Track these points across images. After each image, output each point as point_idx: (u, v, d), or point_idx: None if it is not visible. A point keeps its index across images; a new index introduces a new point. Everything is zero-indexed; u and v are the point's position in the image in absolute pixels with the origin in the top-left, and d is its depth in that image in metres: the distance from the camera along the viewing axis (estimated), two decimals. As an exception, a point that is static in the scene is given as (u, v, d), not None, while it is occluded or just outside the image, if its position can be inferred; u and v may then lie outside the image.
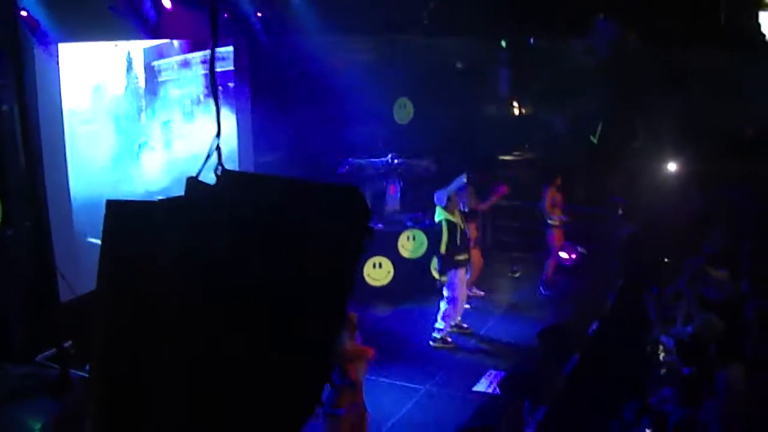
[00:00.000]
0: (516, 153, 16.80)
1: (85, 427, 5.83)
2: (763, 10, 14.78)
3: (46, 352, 8.76)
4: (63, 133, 10.14)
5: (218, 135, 2.53)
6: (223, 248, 2.27)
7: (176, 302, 2.24)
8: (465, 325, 11.58)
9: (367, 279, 12.73)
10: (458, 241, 11.09)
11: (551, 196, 13.14)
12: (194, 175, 2.44)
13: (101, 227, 2.38)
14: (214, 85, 2.77)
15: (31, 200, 8.43)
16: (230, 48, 13.10)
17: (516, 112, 17.73)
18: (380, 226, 13.09)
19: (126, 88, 11.60)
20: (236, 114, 13.28)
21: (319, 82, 13.08)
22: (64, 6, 9.62)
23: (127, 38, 11.11)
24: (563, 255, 13.57)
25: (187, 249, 2.26)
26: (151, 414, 2.28)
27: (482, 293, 12.90)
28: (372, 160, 13.89)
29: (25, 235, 8.99)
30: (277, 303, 2.28)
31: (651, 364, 8.84)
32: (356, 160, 13.77)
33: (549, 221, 13.20)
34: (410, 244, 13.10)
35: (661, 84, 14.60)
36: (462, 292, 11.34)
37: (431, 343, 11.19)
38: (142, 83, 11.93)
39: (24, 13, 9.19)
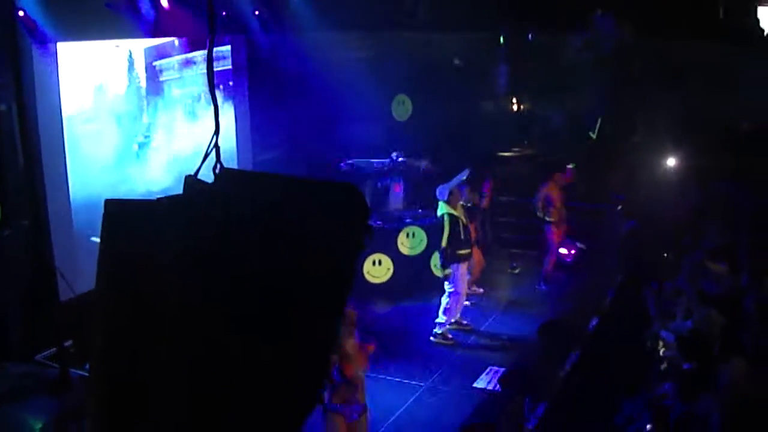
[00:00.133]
0: (515, 149, 16.78)
1: (85, 426, 5.84)
2: (762, 4, 14.77)
3: (46, 351, 8.77)
4: (62, 133, 10.14)
5: (217, 133, 2.52)
6: (222, 247, 2.27)
7: (175, 301, 2.24)
8: (465, 322, 11.59)
9: (367, 276, 12.74)
10: (461, 235, 11.11)
11: (547, 192, 13.12)
12: (193, 173, 2.44)
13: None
14: (212, 83, 2.77)
15: (29, 200, 8.43)
16: (228, 47, 13.11)
17: (514, 108, 17.71)
18: (379, 223, 13.09)
19: (127, 87, 11.61)
20: (234, 112, 13.29)
21: (317, 80, 13.07)
22: (61, 5, 9.63)
23: (126, 37, 11.11)
24: (563, 251, 13.58)
25: (186, 247, 2.25)
26: (150, 413, 2.28)
27: (481, 291, 12.91)
28: (374, 160, 13.91)
29: (24, 234, 9.01)
30: (276, 301, 2.28)
31: (651, 359, 8.84)
32: (359, 159, 13.78)
33: (546, 218, 13.19)
34: (409, 241, 13.11)
35: (659, 79, 14.59)
36: (463, 287, 11.35)
37: (432, 338, 11.21)
38: (143, 83, 11.94)
39: (21, 13, 9.20)
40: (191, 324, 2.24)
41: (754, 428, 6.68)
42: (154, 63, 12.17)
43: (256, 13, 12.91)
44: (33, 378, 7.62)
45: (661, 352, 8.67)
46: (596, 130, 15.47)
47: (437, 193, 11.25)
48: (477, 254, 12.55)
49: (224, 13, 12.16)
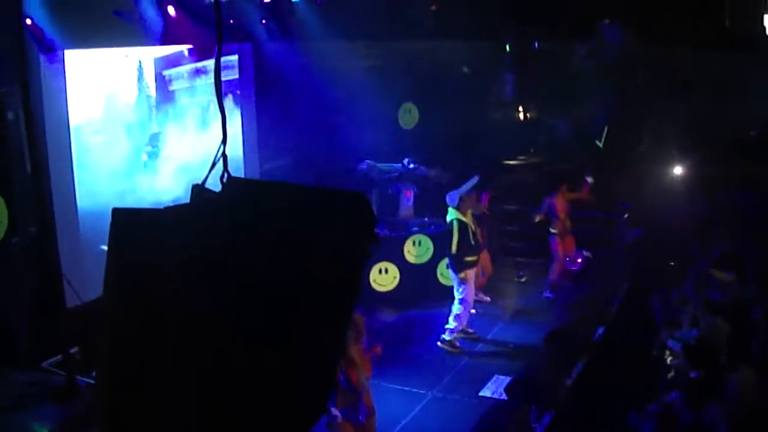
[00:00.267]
0: (521, 157, 16.77)
1: (91, 433, 5.84)
2: (768, 12, 14.76)
3: (53, 359, 8.77)
4: (69, 140, 10.18)
5: (224, 142, 2.53)
6: (229, 255, 2.27)
7: (182, 309, 2.24)
8: (471, 330, 11.57)
9: (374, 284, 12.73)
10: (470, 242, 11.12)
11: (552, 202, 13.06)
12: (200, 182, 2.44)
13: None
14: (219, 92, 2.77)
15: (37, 207, 8.45)
16: (236, 56, 13.14)
17: (521, 116, 17.71)
18: (386, 231, 13.08)
19: (137, 97, 11.66)
20: (242, 121, 13.32)
21: (323, 89, 13.10)
22: (68, 13, 9.66)
23: (133, 45, 11.15)
24: (568, 259, 13.55)
25: (193, 256, 2.26)
26: (157, 421, 2.29)
27: (488, 299, 12.89)
28: (383, 164, 13.91)
29: (31, 242, 9.01)
30: (283, 309, 2.28)
31: (658, 367, 8.82)
32: (374, 164, 13.79)
33: (550, 229, 13.15)
34: (416, 249, 13.10)
35: (666, 87, 14.58)
36: (472, 293, 11.36)
37: (439, 343, 11.20)
38: (152, 92, 11.99)
39: (29, 21, 9.24)
40: (198, 332, 2.25)
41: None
42: (164, 72, 12.21)
43: (263, 22, 12.93)
44: (39, 385, 7.63)
45: (667, 361, 8.65)
46: (603, 139, 15.45)
47: (447, 199, 11.27)
48: (486, 259, 12.55)
49: (231, 22, 12.18)
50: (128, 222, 2.33)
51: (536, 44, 16.60)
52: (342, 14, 12.84)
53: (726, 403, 6.95)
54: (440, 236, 12.41)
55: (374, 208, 2.45)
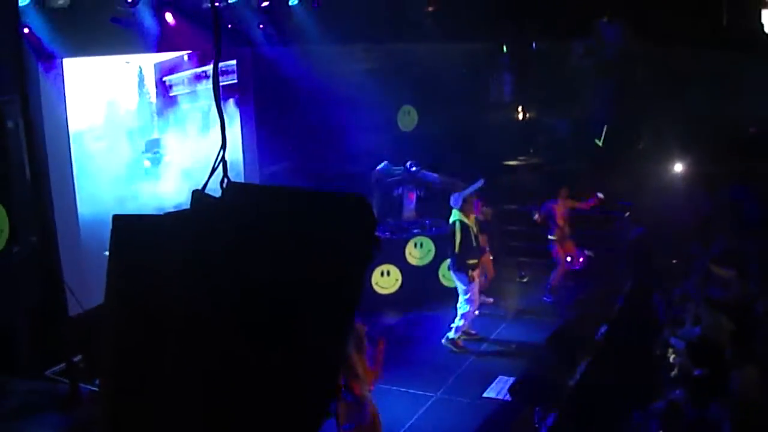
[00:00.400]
0: (521, 158, 16.77)
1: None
2: (766, 8, 14.75)
3: (56, 367, 8.77)
4: (69, 148, 10.19)
5: (224, 147, 2.53)
6: (230, 260, 2.27)
7: (183, 314, 2.24)
8: (473, 332, 11.58)
9: (375, 287, 12.74)
10: (472, 243, 11.14)
11: (552, 207, 12.97)
12: (200, 187, 2.44)
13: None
14: (218, 97, 2.77)
15: (37, 215, 8.44)
16: (234, 62, 13.15)
17: (520, 117, 17.72)
18: (387, 234, 13.09)
19: (138, 103, 11.66)
20: (241, 125, 13.32)
21: (322, 92, 13.11)
22: (66, 21, 9.68)
23: (131, 52, 11.16)
24: (569, 259, 13.52)
25: (194, 261, 2.26)
26: (160, 427, 2.28)
27: (491, 300, 12.88)
28: (384, 167, 13.91)
29: (32, 250, 9.01)
30: (285, 313, 2.28)
31: (661, 366, 8.81)
32: (386, 167, 13.79)
33: (549, 236, 13.09)
34: (418, 251, 13.11)
35: (664, 85, 14.59)
36: (477, 292, 11.38)
37: (444, 341, 11.22)
38: (153, 98, 11.99)
39: (26, 30, 9.25)
40: (199, 337, 2.24)
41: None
42: (164, 78, 12.21)
43: (261, 26, 12.94)
44: (42, 394, 7.62)
45: (671, 359, 8.63)
46: (602, 138, 15.45)
47: (451, 200, 11.31)
48: (488, 263, 12.55)
49: (229, 26, 12.19)
50: (129, 228, 2.33)
51: (534, 45, 16.60)
52: (339, 17, 12.86)
53: (730, 400, 6.94)
54: (441, 238, 12.43)
55: (376, 211, 2.46)
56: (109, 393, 2.41)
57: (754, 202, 12.64)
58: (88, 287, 9.05)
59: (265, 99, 13.66)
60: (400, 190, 13.97)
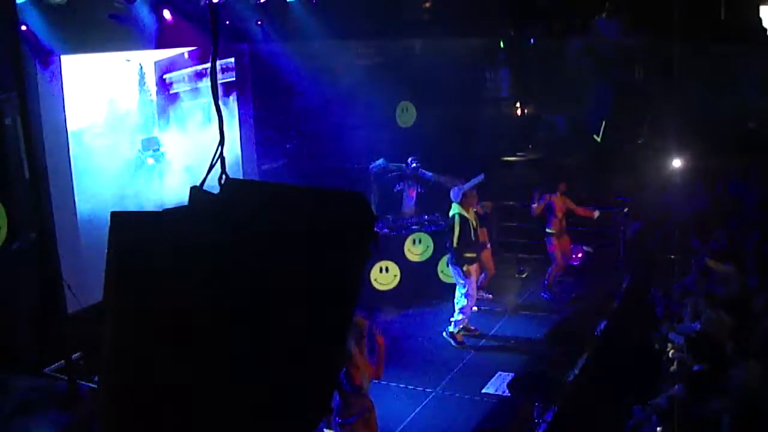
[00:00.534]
0: (520, 154, 16.76)
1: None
2: (764, 3, 14.77)
3: (55, 364, 8.78)
4: (68, 145, 10.18)
5: (222, 144, 2.52)
6: (229, 256, 2.27)
7: (182, 311, 2.23)
8: (473, 327, 11.57)
9: (374, 283, 12.73)
10: (470, 238, 11.12)
11: (550, 200, 12.85)
12: (198, 184, 2.44)
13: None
14: (216, 94, 2.77)
15: (36, 212, 8.44)
16: (232, 59, 13.13)
17: (518, 112, 17.71)
18: (385, 230, 13.08)
19: (138, 101, 11.64)
20: (239, 122, 13.31)
21: (320, 89, 13.10)
22: (63, 18, 9.67)
23: (129, 48, 11.14)
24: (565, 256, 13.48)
25: (192, 258, 2.25)
26: (159, 424, 2.28)
27: (490, 296, 12.86)
28: (386, 164, 13.89)
29: (31, 247, 9.01)
30: (283, 310, 2.28)
31: (660, 361, 8.82)
32: (382, 163, 13.76)
33: (547, 229, 12.98)
34: (416, 247, 13.10)
35: (663, 80, 14.59)
36: (475, 287, 11.38)
37: (444, 334, 11.24)
38: (154, 96, 11.97)
39: (24, 27, 9.23)
40: (199, 334, 2.24)
41: (766, 430, 6.66)
42: (165, 76, 12.19)
43: (258, 22, 12.93)
44: (42, 391, 7.63)
45: (670, 354, 8.65)
46: (601, 133, 15.44)
47: (451, 194, 11.29)
48: (488, 259, 12.53)
49: (227, 23, 12.18)
50: (127, 225, 2.33)
51: (532, 40, 16.60)
52: (337, 13, 12.85)
53: (730, 395, 6.95)
54: (440, 234, 12.42)
55: (375, 207, 2.45)
56: (108, 390, 2.41)
57: (753, 197, 12.65)
58: (87, 284, 9.05)
59: (263, 96, 13.66)
60: (400, 186, 13.96)
